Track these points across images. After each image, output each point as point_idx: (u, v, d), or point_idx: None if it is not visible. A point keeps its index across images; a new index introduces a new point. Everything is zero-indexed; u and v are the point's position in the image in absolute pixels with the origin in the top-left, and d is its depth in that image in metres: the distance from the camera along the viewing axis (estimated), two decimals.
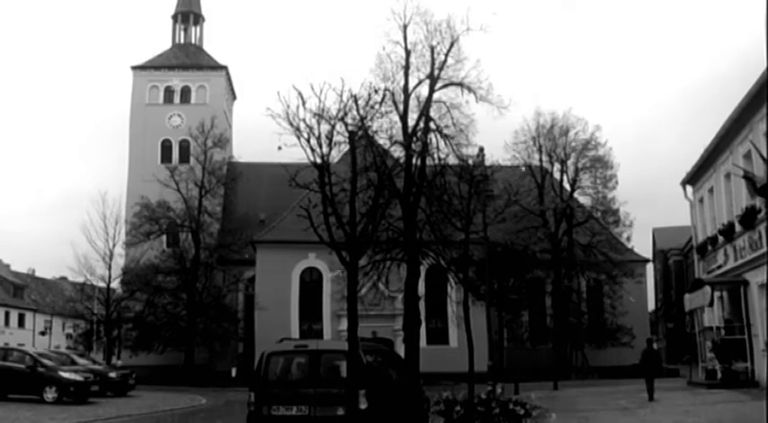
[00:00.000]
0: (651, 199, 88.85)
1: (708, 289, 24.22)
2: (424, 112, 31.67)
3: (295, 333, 41.66)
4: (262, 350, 13.47)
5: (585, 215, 45.87)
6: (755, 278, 21.44)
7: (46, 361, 23.38)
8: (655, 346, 25.22)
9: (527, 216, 43.92)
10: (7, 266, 71.24)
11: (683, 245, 51.94)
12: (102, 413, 20.17)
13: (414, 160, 30.81)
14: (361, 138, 15.75)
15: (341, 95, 13.73)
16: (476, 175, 26.80)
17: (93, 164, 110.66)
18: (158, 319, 45.53)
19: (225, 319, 46.16)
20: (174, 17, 59.83)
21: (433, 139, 31.42)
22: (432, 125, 31.60)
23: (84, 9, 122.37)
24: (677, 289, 54.94)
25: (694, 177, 28.19)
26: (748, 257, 21.75)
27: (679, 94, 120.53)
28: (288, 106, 13.39)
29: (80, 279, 48.26)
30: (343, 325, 36.00)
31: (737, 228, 22.49)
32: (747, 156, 21.22)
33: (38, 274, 78.02)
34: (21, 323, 68.77)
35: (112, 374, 28.26)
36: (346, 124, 14.13)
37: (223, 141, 49.97)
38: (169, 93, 55.75)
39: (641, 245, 55.00)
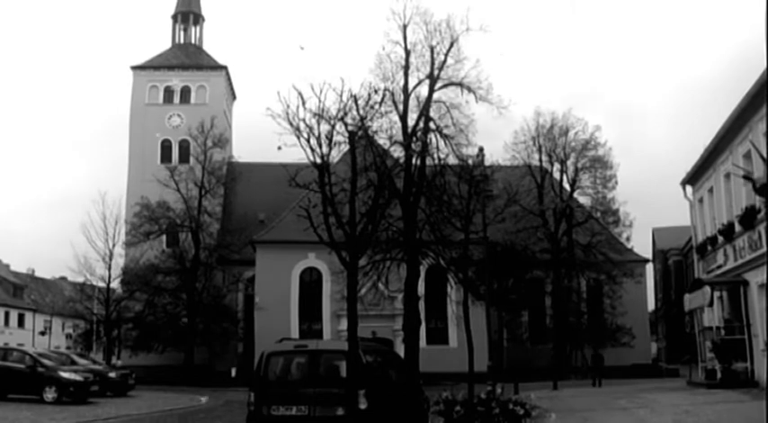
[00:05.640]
0: (651, 199, 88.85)
1: (707, 289, 24.20)
2: (424, 112, 31.64)
3: (295, 333, 41.64)
4: (261, 350, 13.46)
5: (585, 215, 45.87)
6: (755, 278, 21.43)
7: (46, 361, 23.36)
8: (600, 352, 34.74)
9: (527, 216, 43.91)
10: (7, 266, 71.26)
11: (683, 245, 51.93)
12: (101, 413, 20.17)
13: (413, 160, 30.79)
14: (360, 138, 15.74)
15: (341, 95, 13.77)
16: (475, 175, 26.77)
17: (93, 164, 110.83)
18: (158, 319, 45.56)
19: (225, 319, 46.16)
20: (174, 17, 59.84)
21: (433, 139, 31.40)
22: (431, 125, 31.57)
23: (85, 9, 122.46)
24: (677, 289, 54.91)
25: (694, 177, 28.18)
26: (748, 257, 21.74)
27: (679, 93, 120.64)
28: (288, 106, 13.42)
29: (80, 279, 48.41)
30: (343, 325, 36.00)
31: (737, 228, 22.48)
32: (747, 156, 21.21)
33: (37, 274, 78.08)
34: (20, 323, 68.79)
35: (112, 374, 28.26)
36: (346, 124, 14.15)
37: (223, 141, 50.01)
38: (169, 93, 55.76)
39: (641, 245, 55.03)
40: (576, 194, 46.17)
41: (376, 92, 14.82)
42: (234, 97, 62.37)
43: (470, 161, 29.59)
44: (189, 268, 45.78)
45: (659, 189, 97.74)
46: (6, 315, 67.06)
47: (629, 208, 59.72)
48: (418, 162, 30.94)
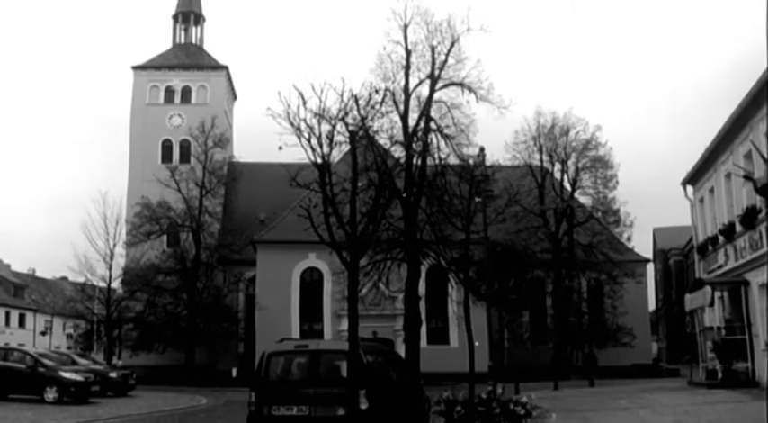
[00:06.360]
0: (652, 199, 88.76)
1: (708, 289, 24.19)
2: (425, 112, 31.61)
3: (295, 333, 41.66)
4: (262, 350, 13.47)
5: (586, 215, 45.85)
6: (756, 278, 21.41)
7: (46, 361, 23.38)
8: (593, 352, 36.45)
9: (527, 216, 43.90)
10: (8, 266, 71.25)
11: (684, 245, 51.87)
12: (102, 413, 20.17)
13: (414, 160, 30.76)
14: (361, 138, 15.76)
15: (341, 95, 13.80)
16: (476, 175, 26.76)
17: (93, 164, 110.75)
18: (159, 318, 45.59)
19: (225, 319, 46.20)
20: (175, 17, 59.89)
21: (434, 139, 31.37)
22: (432, 125, 31.54)
23: (85, 9, 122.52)
24: (678, 289, 54.86)
25: (695, 177, 28.17)
26: (749, 257, 21.73)
27: (680, 93, 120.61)
28: (288, 106, 13.45)
29: (80, 279, 48.41)
30: (344, 325, 35.95)
31: (738, 228, 22.47)
32: (748, 156, 21.20)
33: (38, 273, 78.05)
34: (21, 323, 68.80)
35: (113, 374, 28.24)
36: (347, 124, 14.17)
37: (224, 141, 50.05)
38: (170, 93, 55.80)
39: (642, 245, 55.03)
40: (576, 194, 46.16)
41: (377, 92, 14.87)
42: (235, 97, 62.40)
43: (471, 161, 29.57)
44: (189, 268, 45.81)
45: (660, 189, 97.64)
46: (7, 315, 67.05)
47: (630, 208, 59.67)
48: (419, 162, 30.91)
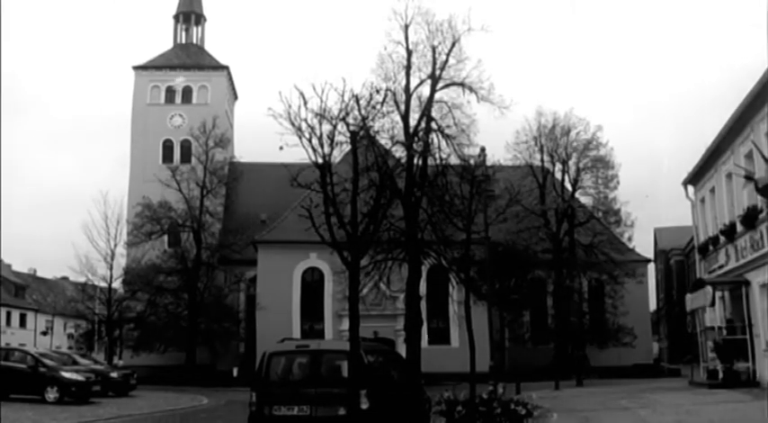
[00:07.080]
0: (653, 199, 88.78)
1: (709, 289, 24.21)
2: (426, 112, 31.64)
3: (296, 333, 41.65)
4: (263, 350, 13.48)
5: (587, 215, 45.80)
6: (757, 278, 21.42)
7: (47, 361, 23.41)
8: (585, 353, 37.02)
9: (528, 216, 43.85)
10: (8, 266, 71.29)
11: (685, 245, 51.87)
12: (103, 413, 20.19)
13: (415, 160, 30.78)
14: (362, 138, 15.78)
15: (342, 95, 13.83)
16: (477, 175, 26.81)
17: (94, 164, 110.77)
18: (160, 319, 45.57)
19: (226, 319, 46.17)
20: (176, 17, 59.91)
21: (435, 139, 31.40)
22: (433, 125, 31.57)
23: (86, 9, 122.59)
24: (679, 289, 54.84)
25: (696, 177, 28.18)
26: (750, 257, 21.74)
27: (680, 93, 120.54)
28: (289, 106, 13.48)
29: (81, 279, 48.45)
30: (345, 325, 35.93)
31: (739, 228, 22.48)
32: (749, 156, 21.21)
33: (39, 274, 78.12)
34: (22, 323, 68.88)
35: (114, 374, 28.26)
36: (348, 124, 14.19)
37: (224, 141, 50.06)
38: (171, 93, 55.81)
39: (643, 245, 54.91)
40: (577, 194, 46.09)
41: (378, 92, 14.91)
42: (235, 97, 62.41)
43: (472, 161, 29.61)
44: (190, 268, 45.81)
45: (661, 189, 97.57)
46: (8, 315, 67.12)
47: (631, 208, 59.61)
48: (420, 162, 30.94)
